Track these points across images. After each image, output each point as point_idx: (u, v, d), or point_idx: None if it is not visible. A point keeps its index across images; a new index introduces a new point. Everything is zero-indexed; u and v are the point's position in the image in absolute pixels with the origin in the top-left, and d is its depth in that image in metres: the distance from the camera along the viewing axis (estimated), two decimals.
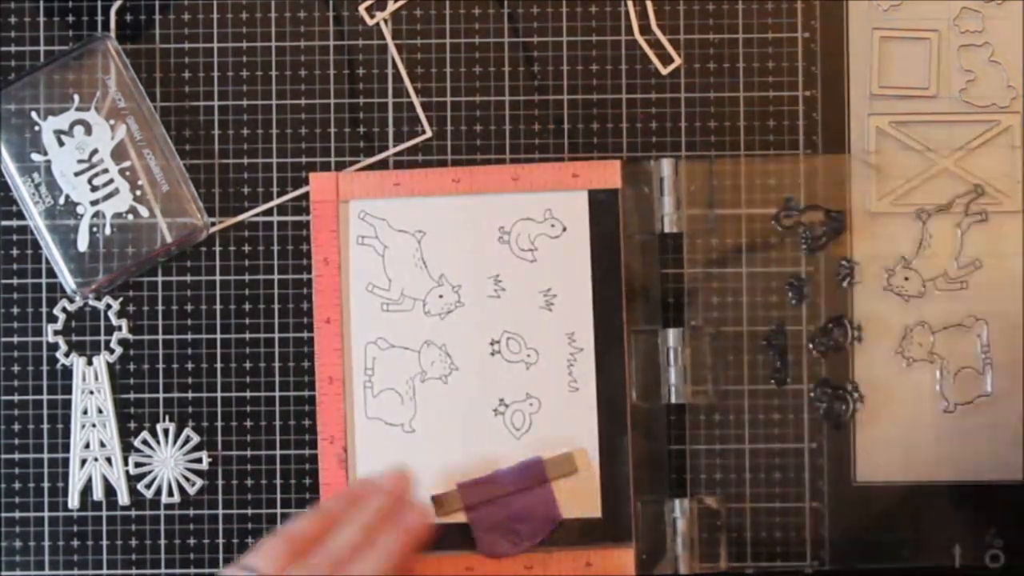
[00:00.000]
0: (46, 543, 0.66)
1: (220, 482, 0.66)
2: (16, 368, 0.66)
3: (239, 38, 0.66)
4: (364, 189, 0.66)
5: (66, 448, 0.66)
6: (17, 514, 0.66)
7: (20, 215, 0.66)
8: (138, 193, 0.65)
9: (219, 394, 0.66)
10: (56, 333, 0.66)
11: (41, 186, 0.65)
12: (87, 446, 0.66)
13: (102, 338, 0.66)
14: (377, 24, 0.66)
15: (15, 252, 0.66)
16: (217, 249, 0.66)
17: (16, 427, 0.66)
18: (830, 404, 0.64)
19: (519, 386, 0.65)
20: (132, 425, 0.66)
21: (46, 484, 0.66)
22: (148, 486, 0.66)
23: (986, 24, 0.65)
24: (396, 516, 0.57)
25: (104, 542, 0.66)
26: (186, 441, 0.66)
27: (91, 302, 0.66)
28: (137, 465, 0.66)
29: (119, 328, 0.66)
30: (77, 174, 0.65)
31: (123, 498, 0.66)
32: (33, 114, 0.65)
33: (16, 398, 0.66)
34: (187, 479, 0.66)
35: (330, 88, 0.66)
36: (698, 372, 0.65)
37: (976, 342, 0.65)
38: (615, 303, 0.65)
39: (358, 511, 0.57)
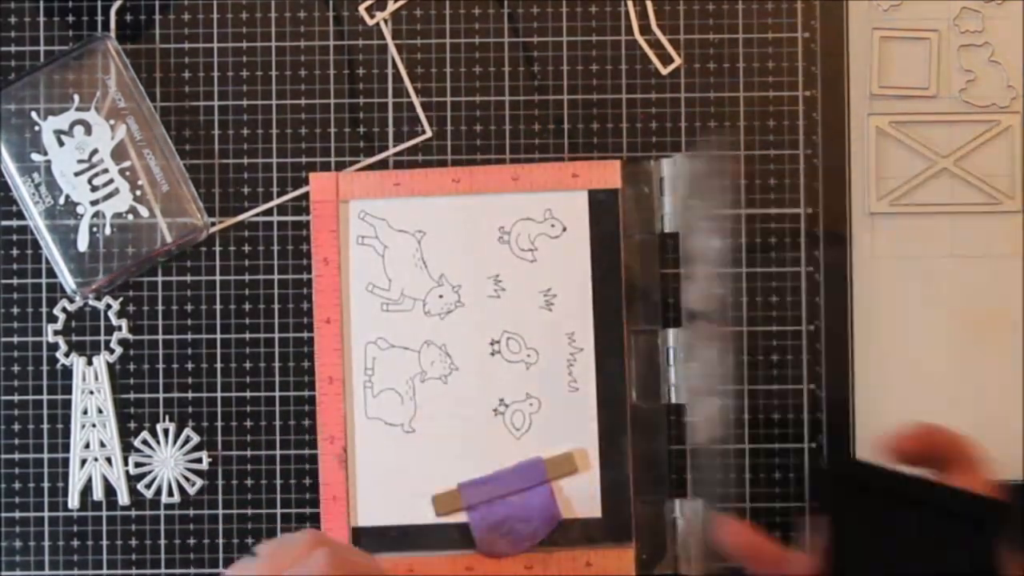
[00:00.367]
0: (46, 543, 0.66)
1: (220, 482, 0.66)
2: (16, 368, 0.66)
3: (239, 38, 0.66)
4: (364, 189, 0.66)
5: (66, 448, 0.66)
6: (17, 514, 0.66)
7: (20, 215, 0.66)
8: (138, 193, 0.65)
9: (219, 394, 0.66)
10: (56, 333, 0.66)
11: (41, 186, 0.65)
12: (87, 446, 0.66)
13: (102, 338, 0.66)
14: (377, 24, 0.66)
15: (15, 252, 0.66)
16: (217, 249, 0.66)
17: (16, 427, 0.66)
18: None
19: (519, 386, 0.65)
20: (132, 425, 0.66)
21: (46, 484, 0.66)
22: (148, 486, 0.66)
23: (986, 24, 0.65)
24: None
25: (104, 542, 0.66)
26: (186, 441, 0.66)
27: (91, 302, 0.66)
28: (137, 465, 0.66)
29: (119, 328, 0.66)
30: (77, 174, 0.65)
31: (123, 498, 0.66)
32: (33, 114, 0.65)
33: (16, 398, 0.66)
34: (187, 479, 0.66)
35: (330, 88, 0.66)
36: (698, 372, 0.65)
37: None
38: (615, 303, 0.65)
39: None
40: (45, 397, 0.66)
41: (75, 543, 0.66)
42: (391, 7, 0.66)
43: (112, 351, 0.66)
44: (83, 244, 0.65)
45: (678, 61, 0.66)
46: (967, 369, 0.65)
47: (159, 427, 0.66)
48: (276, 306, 0.66)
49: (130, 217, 0.65)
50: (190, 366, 0.66)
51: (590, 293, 0.65)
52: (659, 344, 0.65)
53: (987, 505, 0.49)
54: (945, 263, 0.65)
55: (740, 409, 0.65)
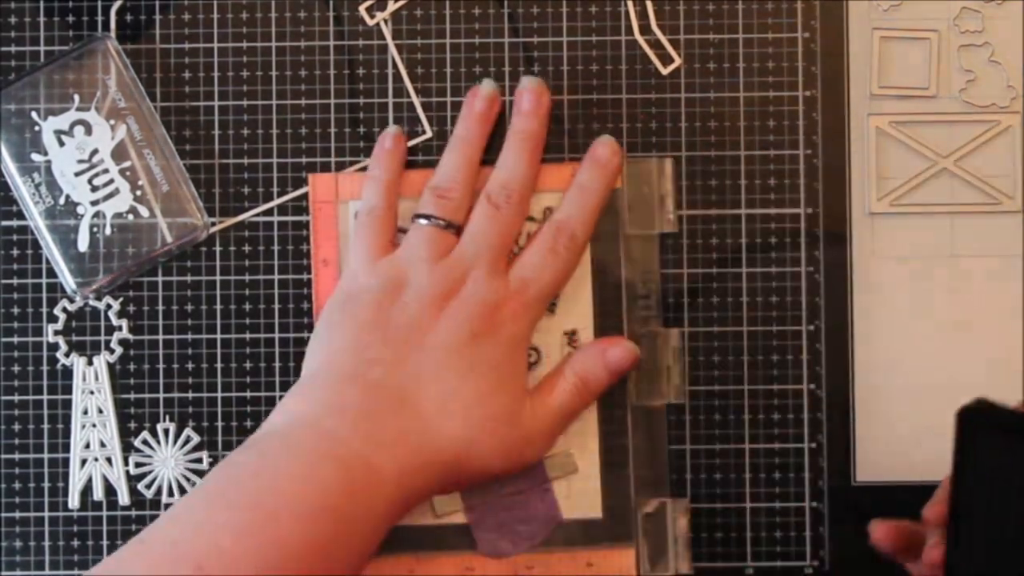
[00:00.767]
0: (46, 543, 0.66)
1: None
2: (16, 368, 0.66)
3: (239, 38, 0.66)
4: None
5: (66, 448, 0.66)
6: (17, 514, 0.66)
7: (20, 215, 0.66)
8: (138, 193, 0.65)
9: (219, 394, 0.66)
10: (56, 333, 0.66)
11: (41, 186, 0.65)
12: (87, 446, 0.66)
13: (102, 338, 0.66)
14: (377, 24, 0.66)
15: (15, 252, 0.66)
16: (217, 249, 0.66)
17: (16, 427, 0.66)
18: None
19: None
20: (132, 425, 0.66)
21: (46, 484, 0.66)
22: (148, 486, 0.66)
23: (986, 24, 0.65)
24: None
25: (104, 542, 0.66)
26: (186, 441, 0.66)
27: (91, 302, 0.66)
28: (137, 465, 0.66)
29: (119, 328, 0.66)
30: (77, 174, 0.65)
31: (123, 498, 0.66)
32: (33, 114, 0.65)
33: (16, 398, 0.66)
34: (187, 479, 0.66)
35: (330, 88, 0.66)
36: (698, 372, 0.65)
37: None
38: (615, 303, 0.65)
39: None
40: (45, 397, 0.66)
41: (75, 543, 0.66)
42: (391, 7, 0.66)
43: (112, 351, 0.66)
44: (83, 244, 0.65)
45: (678, 61, 0.66)
46: (967, 369, 0.65)
47: (159, 427, 0.66)
48: (276, 306, 0.66)
49: (130, 217, 0.65)
50: (190, 366, 0.66)
51: (590, 293, 0.65)
52: (659, 344, 0.65)
53: None
54: (945, 263, 0.65)
55: (740, 409, 0.65)
